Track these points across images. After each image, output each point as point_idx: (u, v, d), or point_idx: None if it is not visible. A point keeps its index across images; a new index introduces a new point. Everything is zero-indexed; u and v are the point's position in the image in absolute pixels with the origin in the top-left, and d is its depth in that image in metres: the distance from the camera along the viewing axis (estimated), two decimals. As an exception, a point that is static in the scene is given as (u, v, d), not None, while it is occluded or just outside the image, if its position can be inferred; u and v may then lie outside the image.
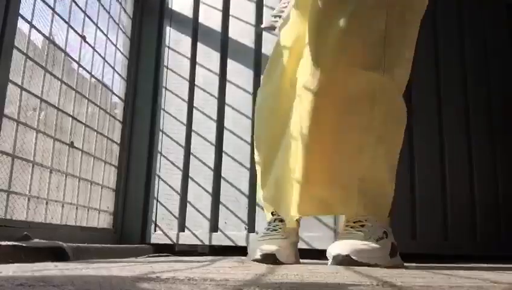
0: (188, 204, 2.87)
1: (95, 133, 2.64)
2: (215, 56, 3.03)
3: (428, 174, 2.98)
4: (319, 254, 2.56)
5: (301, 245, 2.67)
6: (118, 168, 2.90)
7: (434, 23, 3.19)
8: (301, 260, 2.08)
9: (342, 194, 1.92)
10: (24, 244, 1.64)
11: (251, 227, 2.77)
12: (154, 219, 2.88)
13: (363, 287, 0.92)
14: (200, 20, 3.11)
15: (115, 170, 2.88)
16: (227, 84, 2.99)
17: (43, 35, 2.14)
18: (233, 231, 2.76)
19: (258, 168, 2.19)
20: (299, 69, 2.01)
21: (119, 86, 2.97)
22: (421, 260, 2.07)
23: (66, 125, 2.36)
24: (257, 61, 3.00)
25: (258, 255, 1.90)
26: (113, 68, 2.83)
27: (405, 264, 1.86)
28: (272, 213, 2.10)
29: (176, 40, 3.12)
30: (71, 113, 2.38)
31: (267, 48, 2.88)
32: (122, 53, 2.98)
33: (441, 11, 3.20)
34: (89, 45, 2.54)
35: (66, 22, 2.31)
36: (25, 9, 1.96)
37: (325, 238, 2.60)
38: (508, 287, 0.95)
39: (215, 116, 2.95)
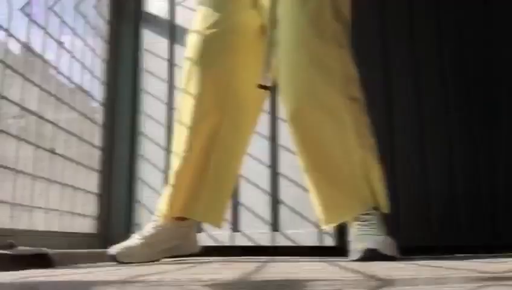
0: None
1: (76, 138, 2.63)
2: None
3: (409, 166, 3.00)
4: (305, 251, 2.58)
5: (287, 242, 2.68)
6: (101, 173, 2.89)
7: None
8: (287, 258, 2.08)
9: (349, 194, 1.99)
10: (9, 252, 1.63)
11: (235, 226, 2.77)
12: (139, 222, 2.87)
13: (351, 282, 0.93)
14: (177, 22, 3.10)
15: (98, 174, 2.87)
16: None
17: (20, 42, 2.13)
18: (217, 231, 2.76)
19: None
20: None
21: (98, 91, 2.96)
22: (406, 253, 2.08)
23: (47, 132, 2.35)
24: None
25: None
26: (91, 73, 2.82)
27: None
28: None
29: (153, 43, 3.11)
30: (51, 120, 2.37)
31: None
32: (99, 57, 2.97)
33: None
34: (67, 50, 2.53)
35: (42, 28, 2.30)
36: (0, 16, 1.95)
37: (309, 234, 2.61)
38: (494, 277, 0.96)
39: (195, 118, 2.94)
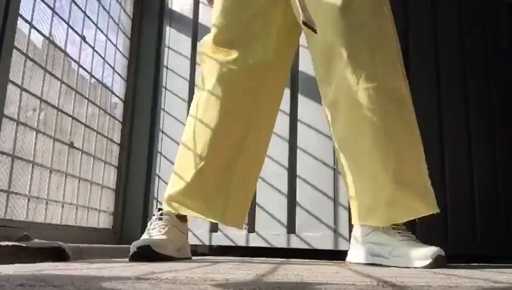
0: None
1: (95, 133, 2.64)
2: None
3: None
4: (318, 254, 2.57)
5: (302, 245, 2.68)
6: (118, 168, 2.90)
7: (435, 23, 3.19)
8: (301, 260, 2.08)
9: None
10: (24, 245, 1.64)
11: (251, 227, 2.77)
12: (154, 219, 2.88)
13: (364, 287, 0.92)
14: (200, 20, 3.10)
15: (115, 170, 2.88)
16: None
17: (43, 35, 2.14)
18: (233, 231, 2.76)
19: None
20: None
21: (119, 86, 2.97)
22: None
23: (66, 126, 2.36)
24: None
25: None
26: (113, 68, 2.83)
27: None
28: None
29: (176, 40, 3.12)
30: (71, 114, 2.38)
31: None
32: (122, 53, 2.98)
33: (441, 10, 3.20)
34: (89, 45, 2.54)
35: (66, 22, 2.31)
36: (24, 9, 1.96)
37: (324, 238, 2.60)
38: (508, 287, 0.95)
39: (214, 116, 2.94)
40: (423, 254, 1.77)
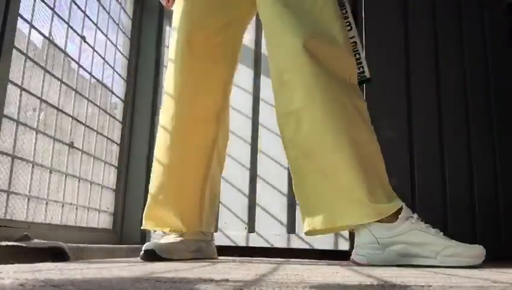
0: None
1: (95, 133, 2.64)
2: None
3: (428, 175, 2.97)
4: (320, 254, 2.57)
5: (302, 245, 2.68)
6: (118, 168, 2.90)
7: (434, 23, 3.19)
8: (302, 260, 2.07)
9: None
10: (24, 245, 1.64)
11: (251, 227, 2.77)
12: (154, 219, 2.88)
13: (364, 287, 0.92)
14: (200, 20, 3.10)
15: (115, 170, 2.88)
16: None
17: (43, 35, 2.14)
18: (233, 231, 2.76)
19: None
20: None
21: (119, 86, 2.97)
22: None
23: (66, 126, 2.36)
24: (257, 61, 3.00)
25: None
26: (113, 68, 2.83)
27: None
28: None
29: (176, 40, 3.11)
30: (71, 114, 2.38)
31: (267, 48, 2.88)
32: (122, 53, 2.98)
33: (441, 10, 3.20)
34: (89, 45, 2.54)
35: (65, 22, 2.31)
36: (24, 9, 1.95)
37: (324, 238, 2.60)
38: (508, 287, 0.94)
39: (214, 116, 2.94)
40: (475, 252, 1.81)
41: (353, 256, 1.98)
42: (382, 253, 1.92)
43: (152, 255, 1.94)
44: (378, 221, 1.91)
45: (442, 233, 1.88)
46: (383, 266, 1.81)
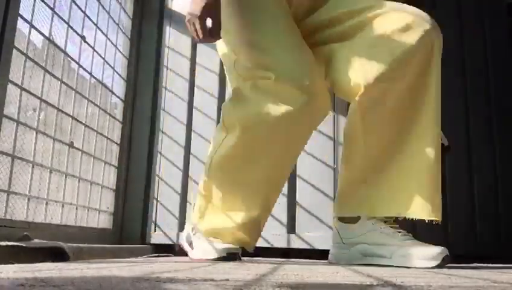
0: (188, 204, 2.87)
1: (95, 133, 2.64)
2: (215, 56, 3.02)
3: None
4: (320, 254, 2.57)
5: (302, 245, 2.68)
6: (118, 168, 2.90)
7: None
8: (302, 261, 2.08)
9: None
10: (24, 245, 1.64)
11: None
12: (154, 219, 2.88)
13: (364, 287, 0.92)
14: (200, 20, 3.10)
15: (115, 170, 2.88)
16: (227, 84, 2.98)
17: (43, 35, 2.14)
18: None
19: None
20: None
21: (119, 86, 2.96)
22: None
23: (66, 126, 2.36)
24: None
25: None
26: (113, 68, 2.83)
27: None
28: None
29: (176, 40, 3.12)
30: (71, 114, 2.38)
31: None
32: (122, 53, 2.98)
33: (441, 11, 3.20)
34: (89, 45, 2.53)
35: (65, 22, 2.31)
36: (24, 9, 1.95)
37: (324, 238, 2.60)
38: (508, 287, 0.94)
39: (215, 117, 2.94)
40: (430, 253, 1.80)
41: (329, 256, 2.11)
42: (347, 252, 2.01)
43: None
44: (342, 222, 2.02)
45: (401, 233, 1.92)
46: (382, 266, 1.81)
